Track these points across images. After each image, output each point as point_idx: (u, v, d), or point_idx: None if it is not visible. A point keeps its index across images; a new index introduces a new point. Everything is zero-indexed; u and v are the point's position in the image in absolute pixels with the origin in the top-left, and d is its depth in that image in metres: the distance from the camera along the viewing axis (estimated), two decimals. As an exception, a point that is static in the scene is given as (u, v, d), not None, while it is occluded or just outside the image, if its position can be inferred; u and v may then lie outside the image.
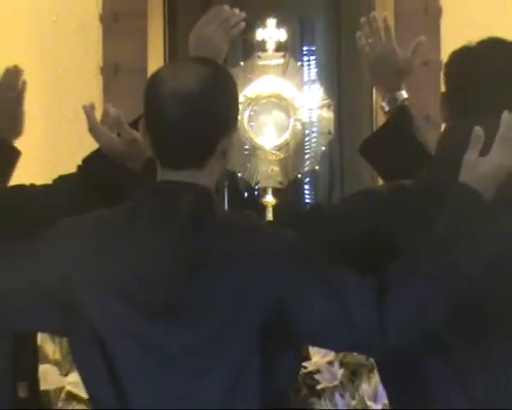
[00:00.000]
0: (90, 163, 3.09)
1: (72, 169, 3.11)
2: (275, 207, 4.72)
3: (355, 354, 4.16)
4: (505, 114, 2.55)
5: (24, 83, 3.39)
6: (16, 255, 2.71)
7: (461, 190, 2.59)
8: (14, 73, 3.38)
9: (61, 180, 3.12)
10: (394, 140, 3.08)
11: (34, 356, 3.31)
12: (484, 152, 2.56)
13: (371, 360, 3.57)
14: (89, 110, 3.04)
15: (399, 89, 3.12)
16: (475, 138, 2.57)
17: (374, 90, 3.51)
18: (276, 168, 4.77)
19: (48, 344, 4.08)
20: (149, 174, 2.72)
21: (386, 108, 3.14)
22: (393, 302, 2.52)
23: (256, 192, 4.79)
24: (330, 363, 4.20)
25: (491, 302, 2.69)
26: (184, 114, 2.61)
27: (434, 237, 2.57)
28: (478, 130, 2.56)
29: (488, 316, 2.70)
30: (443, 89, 2.87)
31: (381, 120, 3.24)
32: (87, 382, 2.70)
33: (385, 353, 2.67)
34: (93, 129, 3.04)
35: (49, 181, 3.13)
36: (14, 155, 3.38)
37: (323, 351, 4.19)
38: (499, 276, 2.66)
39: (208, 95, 2.63)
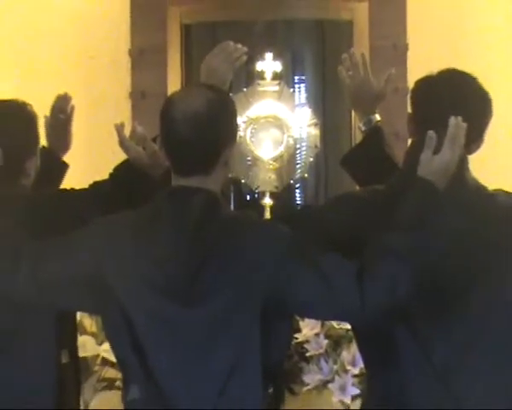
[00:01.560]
0: (119, 171, 3.09)
1: (107, 176, 3.11)
2: (272, 208, 4.71)
3: (337, 327, 4.16)
4: (452, 119, 2.58)
5: (72, 107, 3.41)
6: (60, 248, 2.71)
7: (419, 182, 2.60)
8: (63, 99, 3.40)
9: (96, 185, 3.11)
10: (369, 154, 3.09)
11: (74, 329, 3.32)
12: (436, 152, 2.58)
13: (350, 332, 3.55)
14: (120, 128, 3.05)
15: (374, 112, 3.13)
16: (429, 140, 2.59)
17: (353, 113, 3.48)
18: (273, 176, 4.76)
19: (86, 319, 4.07)
20: (168, 180, 2.71)
21: (363, 128, 3.15)
22: (370, 278, 2.52)
23: (256, 195, 4.77)
24: (317, 335, 4.19)
25: (449, 279, 2.68)
26: (193, 131, 2.62)
27: (400, 222, 2.57)
28: (431, 133, 2.59)
29: (447, 291, 2.69)
30: (409, 110, 2.88)
31: (358, 137, 3.24)
32: (115, 350, 2.71)
33: (364, 320, 2.66)
34: (123, 143, 3.05)
35: (87, 186, 3.13)
36: (63, 167, 3.42)
37: (311, 325, 4.18)
38: (456, 254, 2.65)
39: (212, 115, 2.63)
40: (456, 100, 2.69)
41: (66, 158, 3.42)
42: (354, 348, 3.95)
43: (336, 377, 4.15)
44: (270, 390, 2.66)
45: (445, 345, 2.70)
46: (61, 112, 3.38)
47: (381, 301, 2.55)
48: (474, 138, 2.78)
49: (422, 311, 2.69)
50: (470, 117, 2.67)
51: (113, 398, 3.87)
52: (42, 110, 3.27)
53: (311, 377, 4.18)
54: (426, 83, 2.86)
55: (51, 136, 3.37)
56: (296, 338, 4.14)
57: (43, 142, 3.27)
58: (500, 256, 2.73)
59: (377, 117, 3.13)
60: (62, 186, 3.35)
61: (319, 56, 5.03)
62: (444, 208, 2.59)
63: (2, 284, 2.77)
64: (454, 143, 2.59)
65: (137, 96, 4.79)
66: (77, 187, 3.17)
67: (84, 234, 2.69)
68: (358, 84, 3.11)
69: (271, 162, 4.76)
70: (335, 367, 4.17)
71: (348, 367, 4.14)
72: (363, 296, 2.51)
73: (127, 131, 3.08)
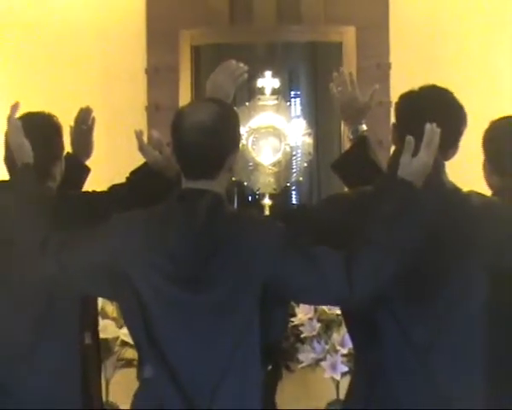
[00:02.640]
0: (138, 172, 3.09)
1: (124, 179, 3.12)
2: (271, 207, 4.73)
3: (329, 312, 4.18)
4: (427, 125, 2.59)
5: (93, 118, 3.43)
6: (83, 239, 2.71)
7: (399, 182, 2.60)
8: (86, 111, 3.42)
9: (114, 187, 3.11)
10: (356, 160, 3.09)
11: (95, 313, 3.31)
12: (414, 155, 2.59)
13: (340, 317, 3.54)
14: (139, 134, 3.05)
15: (360, 123, 3.14)
16: (407, 145, 2.58)
17: (342, 123, 3.48)
18: (272, 179, 4.77)
19: (108, 306, 4.09)
20: (180, 180, 2.70)
21: (351, 137, 3.16)
22: (357, 267, 2.53)
23: (257, 196, 4.79)
24: (310, 319, 4.21)
25: (425, 268, 2.67)
26: (200, 140, 2.61)
27: (384, 217, 2.58)
28: (409, 138, 2.59)
29: (423, 280, 2.68)
30: (393, 121, 2.87)
31: (347, 145, 3.24)
32: (131, 332, 2.71)
33: (352, 304, 2.65)
34: (142, 148, 3.05)
35: (106, 188, 3.14)
36: (86, 171, 3.41)
37: (305, 310, 4.20)
38: (432, 246, 2.64)
39: (217, 125, 2.63)
40: (434, 112, 2.68)
41: (88, 163, 3.42)
42: (343, 330, 3.97)
43: (328, 356, 4.17)
44: (270, 367, 2.65)
45: (421, 327, 2.70)
46: (84, 122, 3.39)
47: (366, 287, 2.55)
48: (450, 146, 2.79)
49: (402, 298, 2.69)
50: (446, 127, 2.68)
51: (131, 375, 3.83)
52: (67, 121, 3.27)
53: (306, 356, 4.20)
54: (408, 97, 2.85)
55: (75, 143, 3.37)
56: (292, 322, 4.16)
57: (68, 148, 3.27)
58: (470, 248, 2.72)
59: (364, 127, 3.14)
60: (84, 188, 3.35)
61: (312, 74, 5.04)
62: (421, 204, 2.59)
63: (33, 268, 2.76)
64: (430, 146, 2.59)
65: (152, 109, 4.80)
66: (98, 189, 3.18)
67: (105, 227, 2.68)
68: (347, 99, 3.12)
69: (270, 167, 4.77)
70: (327, 347, 4.19)
71: (338, 348, 4.16)
72: (351, 282, 2.52)
73: (144, 139, 3.08)
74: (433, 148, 2.60)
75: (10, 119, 2.83)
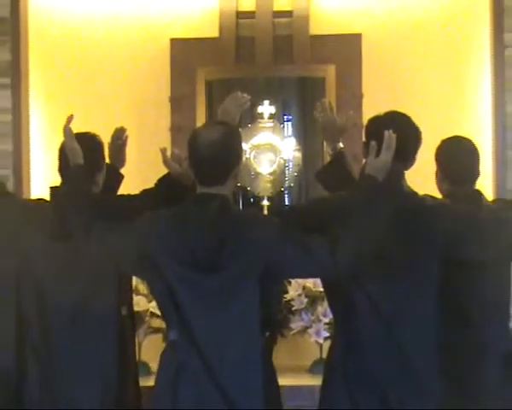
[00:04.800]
0: (163, 181, 3.09)
1: (151, 185, 3.12)
2: (268, 207, 4.71)
3: (314, 290, 4.15)
4: (386, 132, 2.61)
5: (126, 136, 3.41)
6: (121, 229, 2.69)
7: (366, 177, 2.62)
8: (120, 131, 3.41)
9: (144, 192, 3.11)
10: (335, 170, 3.08)
11: (130, 291, 3.30)
12: (377, 157, 2.61)
13: (323, 293, 3.54)
14: (163, 151, 3.06)
15: (338, 141, 3.13)
16: (372, 149, 2.62)
17: (324, 142, 3.48)
18: (269, 185, 4.74)
19: (140, 284, 4.05)
20: (195, 187, 2.70)
21: (331, 152, 3.15)
22: (338, 247, 2.53)
23: (257, 198, 4.77)
24: (299, 295, 4.17)
25: (390, 254, 2.67)
26: (211, 154, 2.62)
27: (355, 204, 2.59)
28: (373, 143, 2.61)
29: (388, 262, 2.67)
30: (363, 139, 2.87)
31: (327, 158, 3.23)
32: (160, 306, 2.72)
33: (336, 277, 2.66)
34: (166, 162, 3.06)
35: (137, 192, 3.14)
36: (120, 177, 3.40)
37: (295, 288, 4.16)
38: (394, 236, 2.65)
39: (225, 142, 2.63)
40: (395, 132, 2.67)
41: (122, 171, 3.42)
42: (325, 304, 3.94)
43: (313, 325, 4.14)
44: (267, 334, 2.67)
45: (387, 303, 2.70)
46: (119, 139, 3.38)
47: (346, 262, 2.56)
48: (408, 159, 2.80)
49: (372, 277, 2.69)
50: (405, 144, 2.68)
51: (158, 339, 3.86)
52: (105, 138, 3.26)
53: (296, 325, 4.16)
54: (375, 120, 2.86)
55: (112, 156, 3.36)
56: (285, 298, 4.13)
57: (106, 160, 3.26)
58: (425, 239, 2.72)
59: (341, 145, 3.13)
60: (119, 192, 3.35)
61: (301, 103, 5.02)
62: (383, 192, 2.61)
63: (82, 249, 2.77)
64: (389, 148, 2.62)
65: (175, 131, 4.77)
66: (130, 193, 3.18)
67: (137, 222, 2.68)
68: (328, 122, 3.11)
69: (268, 176, 4.75)
70: (312, 318, 4.15)
71: (321, 318, 4.13)
72: (335, 260, 2.53)
73: (168, 154, 3.08)
74: (391, 150, 2.62)
75: (66, 128, 2.82)
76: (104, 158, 3.16)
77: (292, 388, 3.68)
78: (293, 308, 4.17)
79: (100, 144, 3.11)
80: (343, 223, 2.58)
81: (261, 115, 4.79)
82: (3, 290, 3.00)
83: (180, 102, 4.82)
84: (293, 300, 4.18)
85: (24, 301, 2.97)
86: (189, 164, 2.73)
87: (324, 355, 3.38)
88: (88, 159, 2.87)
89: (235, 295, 2.55)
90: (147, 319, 4.13)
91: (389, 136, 2.62)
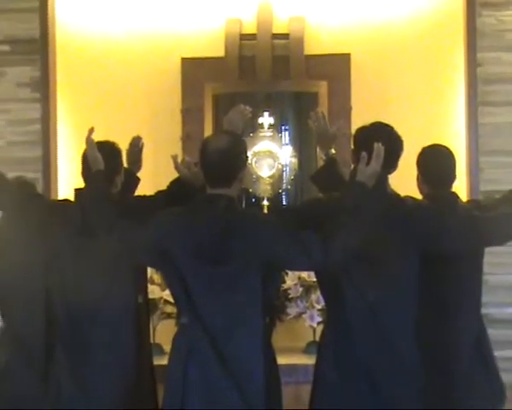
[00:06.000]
0: (174, 183, 3.08)
1: (164, 187, 3.11)
2: (268, 207, 4.71)
3: (308, 279, 4.14)
4: (375, 144, 2.60)
5: (142, 144, 3.39)
6: (139, 227, 2.67)
7: (357, 183, 2.61)
8: (137, 139, 3.39)
9: (159, 193, 3.11)
10: (327, 174, 3.06)
11: (146, 280, 3.27)
12: (367, 165, 2.60)
13: (316, 283, 3.53)
14: (175, 158, 3.05)
15: (330, 148, 3.10)
16: (362, 159, 2.60)
17: (317, 148, 3.47)
18: (269, 187, 4.74)
19: (154, 275, 4.05)
20: (204, 189, 2.70)
21: (324, 158, 3.12)
22: (329, 243, 2.52)
23: (258, 199, 4.77)
24: (295, 284, 4.17)
25: (376, 248, 2.66)
26: (219, 160, 2.61)
27: (346, 207, 2.58)
28: (364, 154, 2.60)
29: (373, 255, 2.66)
30: (352, 147, 2.86)
31: (321, 163, 3.22)
32: (172, 293, 2.72)
33: (326, 268, 2.65)
34: (177, 167, 3.05)
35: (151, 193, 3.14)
36: (137, 180, 3.37)
37: (292, 278, 4.16)
38: (378, 232, 2.63)
39: (231, 149, 2.62)
40: (379, 141, 2.66)
41: (139, 175, 3.41)
42: (318, 292, 3.94)
43: (307, 311, 4.14)
44: (267, 319, 2.66)
45: (373, 291, 2.69)
46: (136, 146, 3.36)
47: (336, 258, 2.56)
48: (391, 165, 2.79)
49: (359, 268, 2.68)
50: (388, 151, 2.67)
51: (171, 324, 3.85)
52: (123, 145, 3.24)
53: (292, 311, 4.16)
54: (362, 130, 2.85)
55: (129, 161, 3.34)
56: (283, 287, 4.12)
57: (125, 164, 3.24)
58: (407, 235, 2.72)
59: (333, 151, 3.10)
60: (136, 193, 3.34)
61: (297, 114, 5.02)
62: (372, 198, 2.59)
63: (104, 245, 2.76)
64: (377, 158, 2.61)
65: (185, 139, 4.77)
66: (146, 194, 3.18)
67: (153, 220, 2.67)
68: (321, 130, 3.08)
69: (268, 179, 4.75)
70: (307, 304, 4.15)
71: (315, 304, 4.13)
72: (326, 255, 2.52)
73: (178, 160, 3.07)
74: (380, 159, 2.61)
75: (88, 139, 2.83)
76: (122, 163, 3.15)
77: (289, 366, 3.69)
78: (290, 296, 4.17)
79: (119, 151, 3.11)
80: (335, 222, 2.57)
81: (261, 126, 4.79)
82: (34, 279, 3.01)
83: (190, 114, 4.82)
84: (289, 289, 4.18)
85: (51, 290, 2.97)
86: (199, 168, 2.73)
87: (317, 338, 3.38)
88: (108, 164, 2.86)
89: (240, 284, 2.54)
90: (160, 305, 4.12)
91: (378, 148, 2.61)
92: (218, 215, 2.58)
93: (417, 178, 3.12)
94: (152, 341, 3.73)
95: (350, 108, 4.69)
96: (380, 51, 4.84)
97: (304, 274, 4.17)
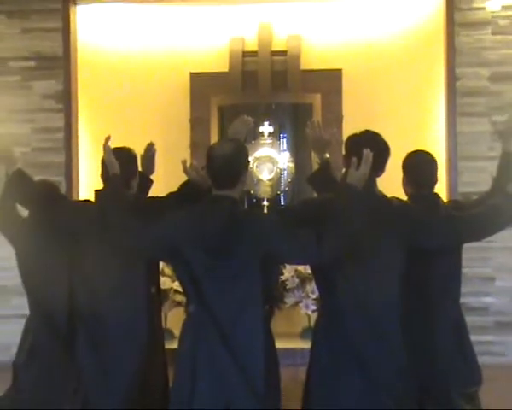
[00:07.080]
0: (184, 186, 3.06)
1: (175, 189, 3.09)
2: (268, 207, 4.72)
3: (304, 272, 4.15)
4: (364, 150, 2.59)
5: (155, 150, 3.37)
6: (153, 226, 2.66)
7: (348, 185, 2.59)
8: (151, 145, 3.36)
9: (170, 194, 3.09)
10: (322, 176, 3.04)
11: (158, 273, 3.26)
12: (357, 169, 2.59)
13: (311, 275, 3.53)
14: (184, 162, 3.03)
15: (324, 153, 3.07)
16: (353, 163, 2.59)
17: (312, 154, 3.46)
18: (268, 189, 4.76)
19: (166, 268, 4.06)
20: (210, 191, 2.68)
21: (319, 162, 3.10)
22: (323, 240, 2.51)
23: (259, 200, 4.78)
24: (292, 276, 4.19)
25: (364, 244, 2.64)
26: (224, 164, 2.60)
27: (338, 208, 2.56)
28: (354, 159, 2.58)
29: (360, 252, 2.65)
30: (343, 153, 2.85)
31: (316, 167, 3.21)
32: (182, 284, 2.69)
33: (321, 263, 2.64)
34: (186, 171, 3.03)
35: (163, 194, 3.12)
36: (150, 183, 3.36)
37: (289, 270, 4.18)
38: (366, 230, 2.59)
39: (235, 155, 2.61)
40: (368, 147, 2.65)
41: (152, 178, 3.40)
42: (313, 283, 3.94)
43: (303, 300, 4.15)
44: (267, 307, 2.64)
45: (362, 282, 2.67)
46: (149, 152, 3.35)
47: (329, 253, 2.54)
48: (379, 168, 2.77)
49: (348, 263, 2.66)
50: (377, 157, 2.66)
51: (180, 311, 3.85)
52: (138, 150, 3.24)
53: (290, 300, 4.18)
54: (353, 138, 2.84)
55: (143, 165, 3.33)
56: (281, 278, 4.14)
57: (139, 168, 3.23)
58: (392, 233, 2.70)
59: (327, 155, 3.08)
60: (149, 194, 3.33)
61: (294, 123, 5.04)
62: (361, 199, 2.58)
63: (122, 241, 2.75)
64: (366, 163, 2.60)
65: (193, 146, 4.79)
66: (159, 195, 3.16)
67: (165, 218, 2.66)
68: (316, 137, 3.06)
69: (267, 181, 4.76)
70: (303, 294, 4.16)
71: (310, 294, 4.14)
72: (320, 250, 2.51)
73: (187, 165, 3.06)
74: (368, 164, 2.60)
75: (105, 146, 2.82)
76: (137, 167, 3.14)
77: (286, 349, 3.68)
78: (288, 287, 4.18)
79: (134, 156, 3.10)
80: (328, 221, 2.55)
81: (262, 134, 4.81)
82: (59, 270, 3.01)
83: (198, 123, 4.83)
84: (287, 280, 4.19)
85: (74, 280, 2.98)
86: (206, 172, 2.72)
87: (312, 324, 3.37)
88: (124, 168, 2.86)
89: (242, 275, 2.53)
90: (171, 295, 4.14)
91: (367, 153, 2.60)
92: (223, 214, 2.57)
93: (403, 181, 3.11)
94: (164, 326, 3.74)
95: (341, 118, 4.70)
96: (369, 67, 4.86)
97: (300, 267, 4.18)
